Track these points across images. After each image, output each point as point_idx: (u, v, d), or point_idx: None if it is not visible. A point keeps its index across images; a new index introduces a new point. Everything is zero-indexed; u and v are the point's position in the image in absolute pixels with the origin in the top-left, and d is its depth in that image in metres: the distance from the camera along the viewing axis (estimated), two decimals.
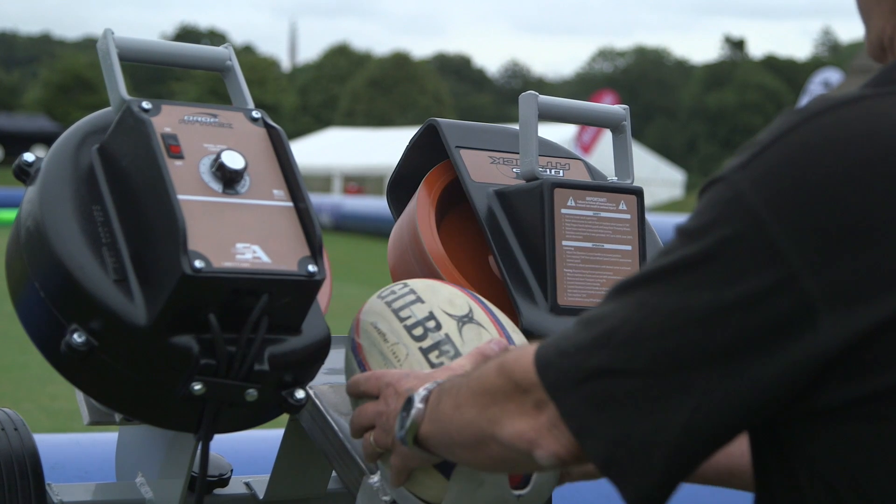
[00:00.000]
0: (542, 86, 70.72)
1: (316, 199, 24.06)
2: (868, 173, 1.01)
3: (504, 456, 1.21)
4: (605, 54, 76.61)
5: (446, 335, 1.54)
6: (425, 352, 1.54)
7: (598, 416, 1.08)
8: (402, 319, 1.58)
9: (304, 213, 1.53)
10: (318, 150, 37.56)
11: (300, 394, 1.55)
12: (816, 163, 1.02)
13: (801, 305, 1.01)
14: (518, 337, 1.56)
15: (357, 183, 35.76)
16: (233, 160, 1.51)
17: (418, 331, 1.56)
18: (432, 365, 1.52)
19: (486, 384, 1.21)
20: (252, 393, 1.49)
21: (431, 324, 1.56)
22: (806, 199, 1.01)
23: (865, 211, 1.00)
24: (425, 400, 1.32)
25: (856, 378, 1.02)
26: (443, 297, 1.58)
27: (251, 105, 1.66)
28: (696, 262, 1.04)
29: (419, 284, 1.62)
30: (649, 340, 1.06)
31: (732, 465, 1.50)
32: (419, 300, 1.59)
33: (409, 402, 1.33)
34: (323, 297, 1.60)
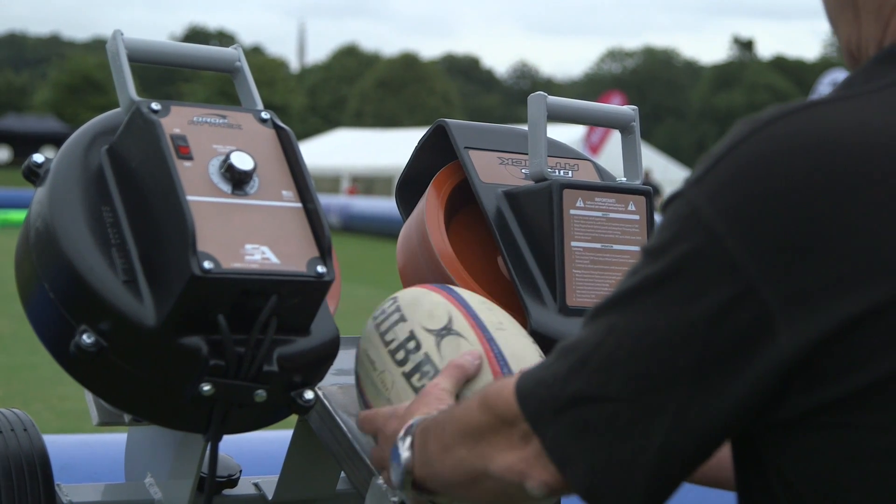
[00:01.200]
0: (551, 86, 70.70)
1: (325, 199, 24.08)
2: (817, 181, 1.01)
3: (499, 489, 1.21)
4: (613, 55, 76.56)
5: (426, 355, 1.55)
6: (407, 376, 1.55)
7: (578, 444, 1.09)
8: (386, 344, 1.59)
9: (312, 214, 1.53)
10: (327, 151, 37.57)
11: (309, 394, 1.55)
12: (767, 173, 1.02)
13: (761, 317, 1.01)
14: (501, 335, 1.56)
15: (365, 184, 35.75)
16: (242, 161, 1.51)
17: (400, 355, 1.57)
18: (415, 389, 1.53)
19: (472, 422, 1.21)
20: (261, 394, 1.49)
21: (412, 344, 1.56)
22: (758, 210, 1.01)
23: (815, 219, 1.00)
24: (411, 446, 1.31)
25: (816, 386, 1.02)
26: (423, 312, 1.58)
27: (260, 106, 1.66)
28: (659, 281, 1.05)
29: (406, 297, 1.62)
30: (620, 364, 1.06)
31: (721, 465, 1.50)
32: (402, 319, 1.59)
33: (395, 450, 1.33)
34: (332, 297, 1.60)
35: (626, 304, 1.07)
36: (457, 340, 1.55)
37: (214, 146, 1.53)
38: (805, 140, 1.03)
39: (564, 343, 1.13)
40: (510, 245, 1.76)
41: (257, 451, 2.50)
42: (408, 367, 1.55)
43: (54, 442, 2.26)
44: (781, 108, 1.06)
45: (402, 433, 1.33)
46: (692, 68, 74.79)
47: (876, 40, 1.15)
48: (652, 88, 67.33)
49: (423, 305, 1.59)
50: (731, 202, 1.02)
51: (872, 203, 1.00)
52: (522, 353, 1.55)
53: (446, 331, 1.56)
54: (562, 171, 1.87)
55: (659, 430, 1.05)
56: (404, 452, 1.31)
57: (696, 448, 1.06)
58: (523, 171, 1.85)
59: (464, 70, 78.98)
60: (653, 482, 1.07)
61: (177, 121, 1.53)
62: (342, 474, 1.88)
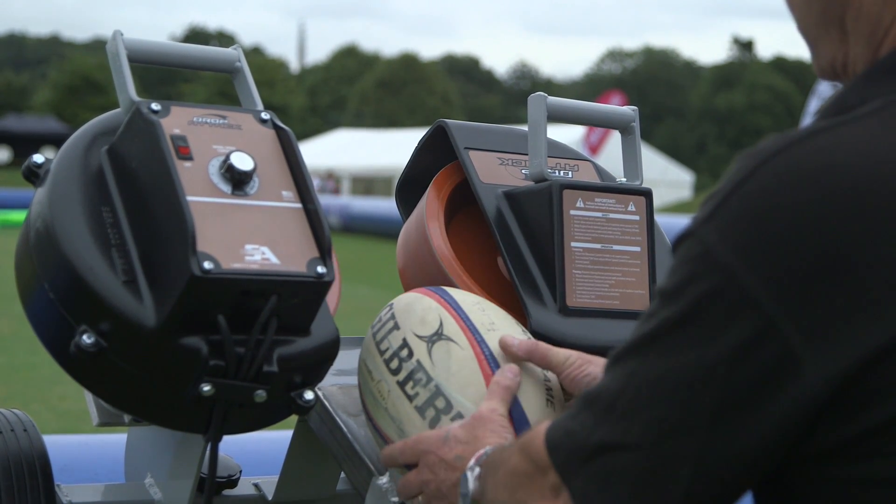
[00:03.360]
0: (551, 87, 70.69)
1: (324, 200, 24.06)
2: (827, 209, 1.00)
3: None
4: (613, 55, 76.55)
5: (418, 362, 1.56)
6: (401, 384, 1.56)
7: (604, 495, 1.07)
8: (381, 353, 1.60)
9: (312, 215, 1.53)
10: (327, 152, 37.57)
11: (309, 395, 1.55)
12: (776, 206, 1.01)
13: (784, 352, 0.99)
14: (492, 335, 1.56)
15: (364, 184, 35.75)
16: (242, 161, 1.51)
17: (394, 363, 1.58)
18: (409, 397, 1.54)
19: (512, 467, 1.21)
20: (261, 394, 1.49)
21: (405, 352, 1.57)
22: (772, 244, 1.00)
23: (829, 249, 0.99)
24: (478, 478, 1.33)
25: (848, 417, 1.01)
26: (415, 318, 1.59)
27: (260, 106, 1.66)
28: (677, 324, 1.03)
29: (400, 304, 1.63)
30: (641, 411, 1.05)
31: None
32: (395, 326, 1.60)
33: (464, 479, 1.35)
34: (332, 298, 1.60)
35: (644, 350, 1.06)
36: (447, 345, 1.55)
37: (214, 146, 1.53)
38: (811, 171, 1.01)
39: (589, 391, 1.12)
40: (510, 245, 1.76)
41: (257, 451, 2.50)
42: (401, 376, 1.56)
43: (54, 442, 2.26)
44: (782, 140, 1.04)
45: (472, 462, 1.35)
46: (692, 68, 74.78)
47: (865, 60, 1.13)
48: (652, 89, 67.32)
49: (416, 312, 1.60)
50: (745, 238, 1.01)
51: (884, 230, 0.99)
52: None
53: (437, 336, 1.56)
54: (562, 172, 1.87)
55: (683, 476, 1.03)
56: (472, 483, 1.34)
57: (721, 492, 1.05)
58: (523, 171, 1.85)
59: (464, 70, 78.96)
60: None
61: (177, 121, 1.53)
62: (342, 475, 1.88)
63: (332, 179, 31.21)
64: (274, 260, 1.47)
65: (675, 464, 1.03)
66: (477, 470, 1.33)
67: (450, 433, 1.46)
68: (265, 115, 1.60)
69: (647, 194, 1.81)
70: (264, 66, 59.39)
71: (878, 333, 0.99)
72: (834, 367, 0.99)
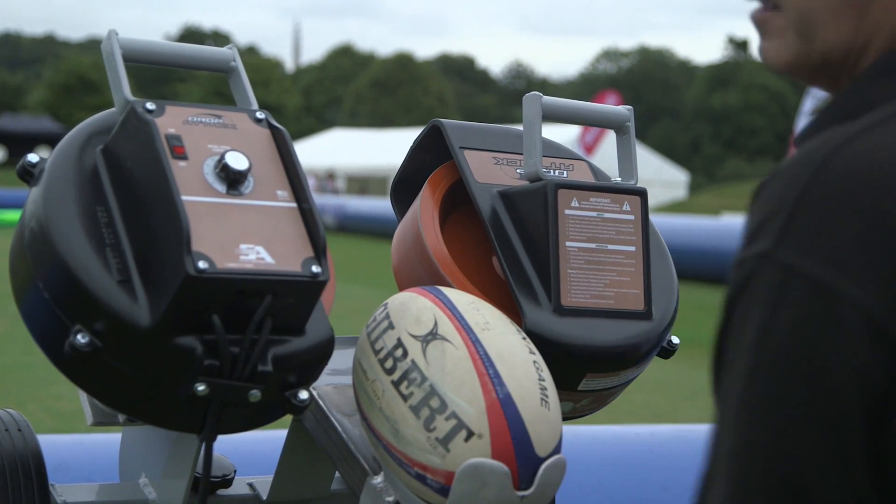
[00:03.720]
0: (546, 86, 70.73)
1: (319, 199, 24.06)
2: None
3: None
4: (608, 55, 76.59)
5: (412, 362, 1.56)
6: (396, 384, 1.56)
7: None
8: (376, 352, 1.60)
9: (307, 214, 1.53)
10: (322, 151, 37.58)
11: (304, 395, 1.55)
12: (854, 210, 0.94)
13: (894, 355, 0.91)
14: (486, 335, 1.56)
15: (359, 184, 35.74)
16: (237, 161, 1.51)
17: (389, 363, 1.58)
18: (403, 397, 1.54)
19: None
20: (255, 394, 1.49)
21: (399, 352, 1.58)
22: (863, 247, 0.92)
23: None
24: None
25: None
26: (410, 318, 1.59)
27: (255, 106, 1.66)
28: (776, 363, 0.93)
29: (394, 303, 1.63)
30: (761, 475, 0.92)
31: None
32: (390, 326, 1.60)
33: None
34: (327, 297, 1.60)
35: (745, 408, 0.94)
36: (442, 345, 1.55)
37: (209, 146, 1.53)
38: (871, 172, 0.95)
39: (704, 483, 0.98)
40: (505, 245, 1.76)
41: (252, 451, 2.50)
42: (396, 376, 1.56)
43: (48, 442, 2.26)
44: (823, 148, 0.97)
45: None
46: (687, 68, 74.83)
47: (873, 56, 1.07)
48: (647, 88, 67.35)
49: (411, 311, 1.60)
50: (832, 247, 0.93)
51: None
52: (509, 352, 1.56)
53: (432, 336, 1.57)
54: (557, 172, 1.87)
55: None
56: None
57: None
58: (518, 171, 1.85)
59: (459, 70, 78.97)
60: None
61: (171, 121, 1.53)
62: (336, 474, 1.88)
63: (333, 179, 31.15)
64: (269, 259, 1.47)
65: None
66: None
67: None
68: (260, 115, 1.60)
69: (642, 194, 1.81)
70: (259, 65, 59.39)
71: None
72: None
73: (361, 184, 35.70)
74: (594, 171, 1.92)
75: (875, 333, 0.92)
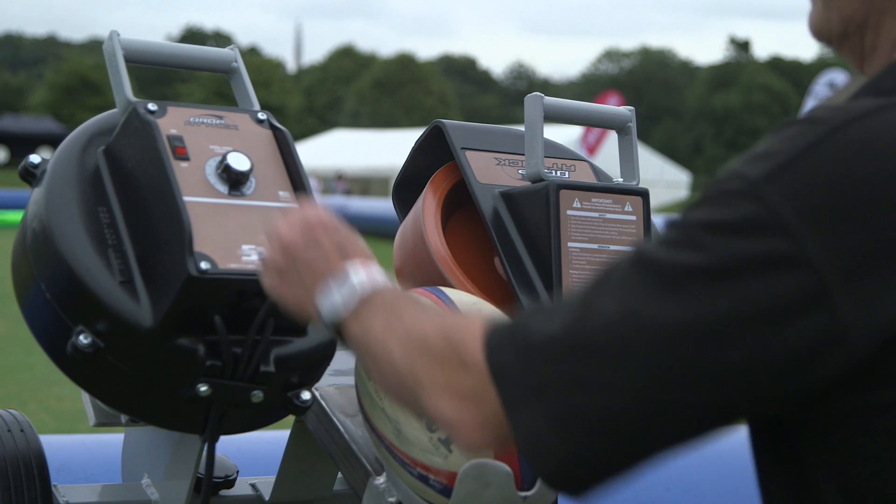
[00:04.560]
0: (548, 87, 70.75)
1: (322, 200, 24.02)
2: None
3: (421, 412, 1.12)
4: (610, 55, 76.58)
5: None
6: None
7: (559, 434, 1.00)
8: None
9: None
10: (324, 152, 37.58)
11: (306, 395, 1.55)
12: (851, 177, 0.97)
13: (834, 323, 0.96)
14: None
15: (361, 185, 35.74)
16: (238, 162, 1.51)
17: None
18: None
19: (425, 336, 1.10)
20: (258, 394, 1.49)
21: None
22: (843, 215, 0.96)
23: None
24: (363, 300, 1.17)
25: (873, 388, 0.98)
26: None
27: (257, 107, 1.66)
28: (709, 275, 0.97)
29: None
30: (640, 355, 0.98)
31: None
32: None
33: (347, 280, 1.18)
34: None
35: (655, 291, 0.98)
36: None
37: (211, 147, 1.53)
38: (887, 145, 0.99)
39: (551, 308, 1.03)
40: (507, 246, 1.76)
41: (254, 451, 2.50)
42: None
43: (51, 442, 2.26)
44: (849, 112, 1.01)
45: (364, 275, 1.18)
46: (689, 69, 74.81)
47: (890, 28, 1.10)
48: (649, 89, 67.36)
49: None
50: (814, 204, 0.97)
51: None
52: None
53: None
54: (558, 172, 1.87)
55: (660, 431, 0.99)
56: (357, 292, 1.17)
57: (701, 433, 1.01)
58: (520, 171, 1.85)
59: (460, 70, 78.98)
60: (624, 471, 1.02)
61: (173, 121, 1.53)
62: (339, 475, 1.88)
63: (344, 181, 31.06)
64: None
65: (662, 418, 0.98)
66: (366, 284, 1.17)
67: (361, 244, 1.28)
68: (262, 116, 1.60)
69: (643, 194, 1.81)
70: (261, 66, 59.37)
71: None
72: (877, 341, 0.96)
73: (363, 184, 35.70)
74: (596, 171, 1.92)
75: (820, 294, 0.96)
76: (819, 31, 1.16)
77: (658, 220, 1.94)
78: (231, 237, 1.47)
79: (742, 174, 1.00)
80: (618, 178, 1.91)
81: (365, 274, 1.19)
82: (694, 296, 0.97)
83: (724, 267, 0.97)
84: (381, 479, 1.64)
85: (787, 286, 0.96)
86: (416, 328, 1.12)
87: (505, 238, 1.77)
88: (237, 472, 1.88)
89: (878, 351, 0.97)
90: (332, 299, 1.19)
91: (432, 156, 1.90)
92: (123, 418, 1.73)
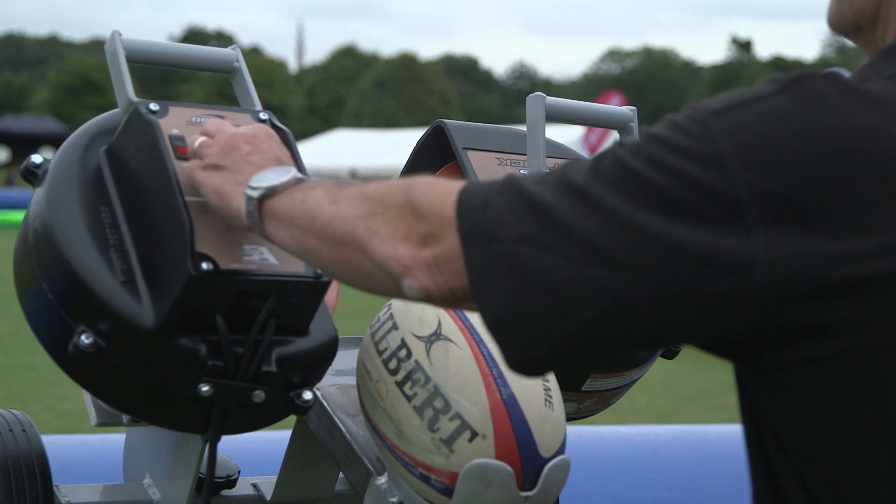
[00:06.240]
0: (550, 87, 70.75)
1: None
2: (833, 149, 1.01)
3: (365, 269, 1.17)
4: (612, 55, 76.60)
5: (416, 362, 1.56)
6: (400, 385, 1.57)
7: (504, 278, 1.06)
8: (380, 353, 1.60)
9: None
10: (326, 152, 37.58)
11: (307, 395, 1.55)
12: (790, 127, 1.02)
13: (745, 257, 1.01)
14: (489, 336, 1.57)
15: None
16: None
17: (393, 363, 1.58)
18: (407, 398, 1.55)
19: (384, 194, 1.16)
20: (259, 394, 1.49)
21: (403, 353, 1.58)
22: (774, 159, 1.01)
23: (824, 184, 1.00)
24: (296, 180, 1.28)
25: (797, 344, 1.02)
26: (414, 318, 1.59)
27: (259, 106, 1.66)
28: (647, 186, 1.04)
29: (399, 304, 1.63)
30: (584, 230, 1.04)
31: None
32: (394, 327, 1.61)
33: (286, 170, 1.30)
34: (330, 298, 1.60)
35: (604, 184, 1.05)
36: (446, 345, 1.55)
37: None
38: (833, 105, 1.03)
39: (526, 186, 1.09)
40: None
41: (256, 451, 2.50)
42: (400, 376, 1.56)
43: (53, 442, 2.26)
44: (812, 73, 1.05)
45: (292, 169, 1.31)
46: (691, 69, 74.84)
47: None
48: (651, 89, 67.37)
49: (415, 312, 1.60)
50: (751, 144, 1.02)
51: (882, 183, 1.01)
52: None
53: (435, 336, 1.56)
54: None
55: (597, 304, 1.04)
56: (289, 174, 1.29)
57: (626, 336, 1.06)
58: (522, 171, 1.85)
59: (462, 70, 79.00)
60: (565, 347, 1.06)
61: (175, 121, 1.53)
62: (340, 475, 1.88)
63: (357, 179, 31.08)
64: (272, 260, 1.47)
65: (595, 291, 1.03)
66: (295, 173, 1.29)
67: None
68: (263, 115, 1.60)
69: None
70: (263, 66, 59.43)
71: (842, 269, 1.00)
72: (791, 288, 1.01)
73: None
74: None
75: (734, 222, 1.01)
76: (835, 24, 1.21)
77: (664, 124, 1.94)
78: (232, 237, 1.46)
79: (702, 106, 1.06)
80: None
81: (302, 174, 1.30)
82: (629, 196, 1.04)
83: (657, 181, 1.04)
84: (382, 479, 1.64)
85: (708, 206, 1.02)
86: (374, 191, 1.18)
87: None
88: (239, 472, 1.88)
89: (788, 301, 1.01)
90: (266, 178, 1.30)
91: (434, 156, 1.90)
92: (125, 418, 1.73)
